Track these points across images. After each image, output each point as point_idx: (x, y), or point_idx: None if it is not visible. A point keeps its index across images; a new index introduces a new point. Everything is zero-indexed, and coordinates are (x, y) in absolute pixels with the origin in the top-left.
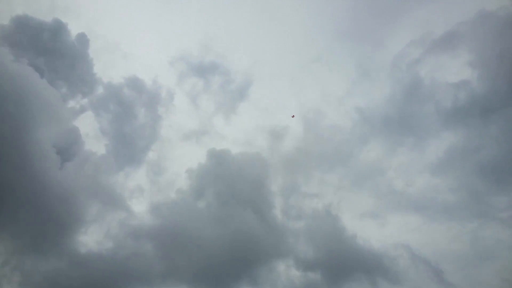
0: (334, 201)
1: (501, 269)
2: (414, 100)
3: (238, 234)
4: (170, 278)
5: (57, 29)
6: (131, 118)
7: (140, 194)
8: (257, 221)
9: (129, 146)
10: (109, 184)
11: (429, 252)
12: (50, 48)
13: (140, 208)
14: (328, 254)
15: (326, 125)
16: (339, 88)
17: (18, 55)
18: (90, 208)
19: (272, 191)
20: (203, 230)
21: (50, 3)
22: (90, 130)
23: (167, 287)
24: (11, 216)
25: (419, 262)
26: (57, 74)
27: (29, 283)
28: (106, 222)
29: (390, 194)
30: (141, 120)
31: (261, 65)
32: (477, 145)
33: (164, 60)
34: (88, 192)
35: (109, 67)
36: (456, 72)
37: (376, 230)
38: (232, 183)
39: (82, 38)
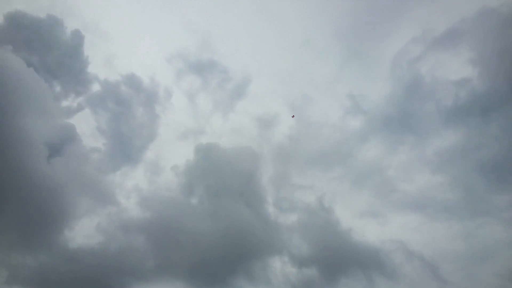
0: (327, 193)
1: (501, 268)
2: (415, 98)
3: (231, 228)
4: (164, 273)
5: (53, 25)
6: (129, 115)
7: (133, 189)
8: (250, 215)
9: (126, 145)
10: (100, 179)
11: (429, 251)
12: (45, 45)
13: (131, 202)
14: (323, 249)
15: (327, 123)
16: (340, 87)
17: (11, 50)
18: (79, 203)
19: (264, 184)
20: (195, 225)
21: None
22: (86, 127)
23: (161, 283)
24: None
25: (418, 261)
26: (53, 71)
27: (16, 279)
28: (97, 216)
29: (390, 193)
30: (139, 118)
31: (260, 63)
32: (477, 144)
33: (162, 58)
34: (77, 187)
35: (105, 64)
36: (458, 69)
37: (375, 228)
38: (223, 177)
39: (77, 35)
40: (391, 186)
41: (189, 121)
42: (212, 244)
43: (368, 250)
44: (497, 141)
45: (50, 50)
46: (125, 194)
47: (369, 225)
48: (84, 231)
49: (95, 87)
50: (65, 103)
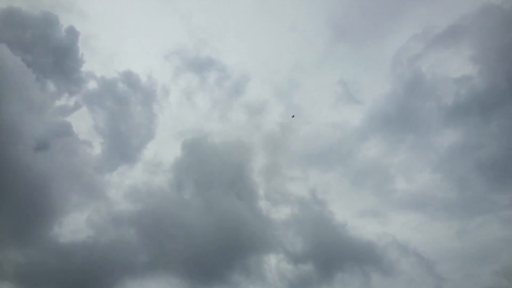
0: (323, 189)
1: (501, 267)
2: (415, 96)
3: (225, 222)
4: (157, 268)
5: (48, 22)
6: (126, 113)
7: (127, 185)
8: (243, 208)
9: (122, 141)
10: (91, 173)
11: (429, 249)
12: (40, 42)
13: (122, 195)
14: (318, 244)
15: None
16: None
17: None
18: (69, 197)
19: (256, 176)
20: (187, 219)
21: None
22: (82, 123)
23: (154, 278)
24: None
25: (418, 260)
26: (47, 68)
27: (4, 275)
28: (87, 210)
29: (390, 192)
30: (136, 115)
31: (258, 62)
32: (478, 143)
33: (159, 54)
34: (67, 181)
35: (102, 62)
36: (459, 67)
37: (375, 227)
38: (214, 170)
39: (72, 31)
40: (391, 184)
41: (186, 119)
42: (206, 239)
43: (368, 249)
44: (498, 140)
45: (45, 47)
46: (117, 188)
47: (369, 224)
48: (74, 226)
49: (92, 85)
50: (61, 101)
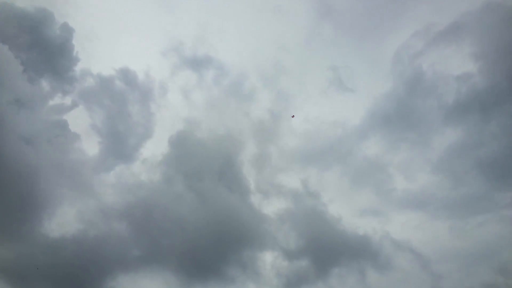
0: (318, 185)
1: (503, 266)
2: (416, 94)
3: (217, 215)
4: (151, 263)
5: (42, 18)
6: (123, 111)
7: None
8: (236, 200)
9: (119, 140)
10: (82, 168)
11: (430, 248)
12: (34, 39)
13: (113, 189)
14: (314, 239)
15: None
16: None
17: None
18: (58, 192)
19: (246, 169)
20: (178, 213)
21: None
22: (76, 120)
23: (146, 273)
24: None
25: (419, 259)
26: (42, 66)
27: None
28: (77, 204)
29: (390, 191)
30: (133, 114)
31: (257, 60)
32: (479, 141)
33: (156, 51)
34: (55, 176)
35: (98, 59)
36: (460, 65)
37: (375, 226)
38: (204, 163)
39: (66, 27)
40: (391, 183)
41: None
42: (199, 233)
43: (367, 248)
44: (498, 139)
45: (39, 44)
46: (109, 182)
47: (369, 222)
48: (64, 220)
49: (88, 82)
50: (55, 100)
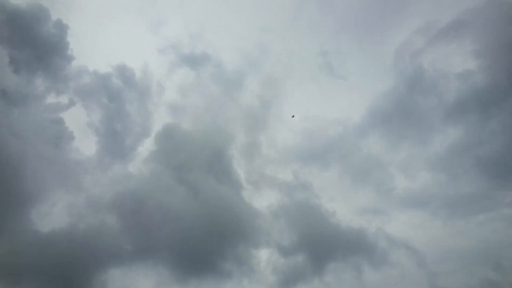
0: (318, 184)
1: (504, 265)
2: (417, 92)
3: (210, 208)
4: (144, 257)
5: (36, 14)
6: (120, 109)
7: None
8: (229, 192)
9: (118, 140)
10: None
11: (431, 248)
12: (28, 35)
13: (104, 180)
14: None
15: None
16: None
17: None
18: (47, 185)
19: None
20: (170, 206)
21: None
22: (73, 117)
23: (139, 267)
24: None
25: (419, 258)
26: (37, 62)
27: None
28: (67, 198)
29: (391, 190)
30: (130, 112)
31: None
32: (480, 140)
33: (154, 48)
34: (45, 170)
35: (95, 56)
36: (462, 63)
37: (376, 225)
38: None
39: (60, 24)
40: (391, 182)
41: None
42: (191, 226)
43: (368, 248)
44: (499, 137)
45: (32, 41)
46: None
47: (369, 221)
48: (54, 214)
49: (85, 79)
50: (51, 97)
